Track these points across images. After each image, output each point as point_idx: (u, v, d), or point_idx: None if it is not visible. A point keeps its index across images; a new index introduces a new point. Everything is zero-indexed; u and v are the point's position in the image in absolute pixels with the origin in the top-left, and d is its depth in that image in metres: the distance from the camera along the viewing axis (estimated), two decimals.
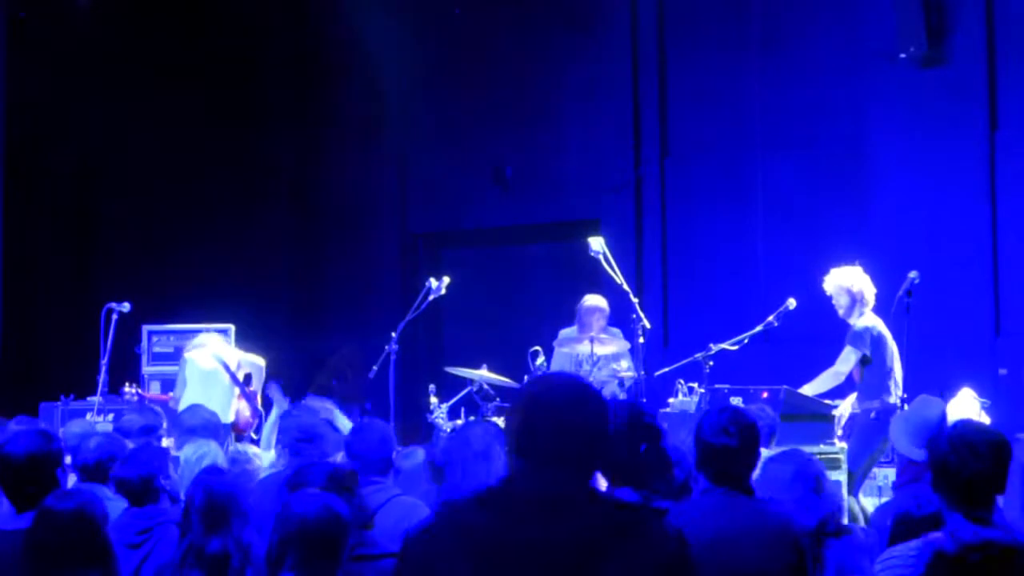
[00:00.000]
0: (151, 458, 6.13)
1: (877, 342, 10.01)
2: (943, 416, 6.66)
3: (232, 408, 10.97)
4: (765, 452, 6.98)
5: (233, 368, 11.03)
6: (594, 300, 11.43)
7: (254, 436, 11.22)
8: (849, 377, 10.07)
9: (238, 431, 11.06)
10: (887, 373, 10.01)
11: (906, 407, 9.13)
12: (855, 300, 10.14)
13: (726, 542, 4.87)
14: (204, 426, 8.13)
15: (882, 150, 12.51)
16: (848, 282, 10.18)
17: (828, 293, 10.27)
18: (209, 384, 10.92)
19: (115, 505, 5.87)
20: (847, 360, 9.97)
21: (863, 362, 10.01)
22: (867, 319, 10.10)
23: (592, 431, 3.45)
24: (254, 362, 11.25)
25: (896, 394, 10.00)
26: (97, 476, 6.54)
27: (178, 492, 6.18)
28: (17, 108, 13.97)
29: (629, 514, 3.45)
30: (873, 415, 9.89)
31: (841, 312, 10.20)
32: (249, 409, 11.09)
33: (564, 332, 11.64)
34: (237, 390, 10.96)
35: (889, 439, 9.93)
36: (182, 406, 10.47)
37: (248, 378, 11.38)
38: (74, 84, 14.41)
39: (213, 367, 10.99)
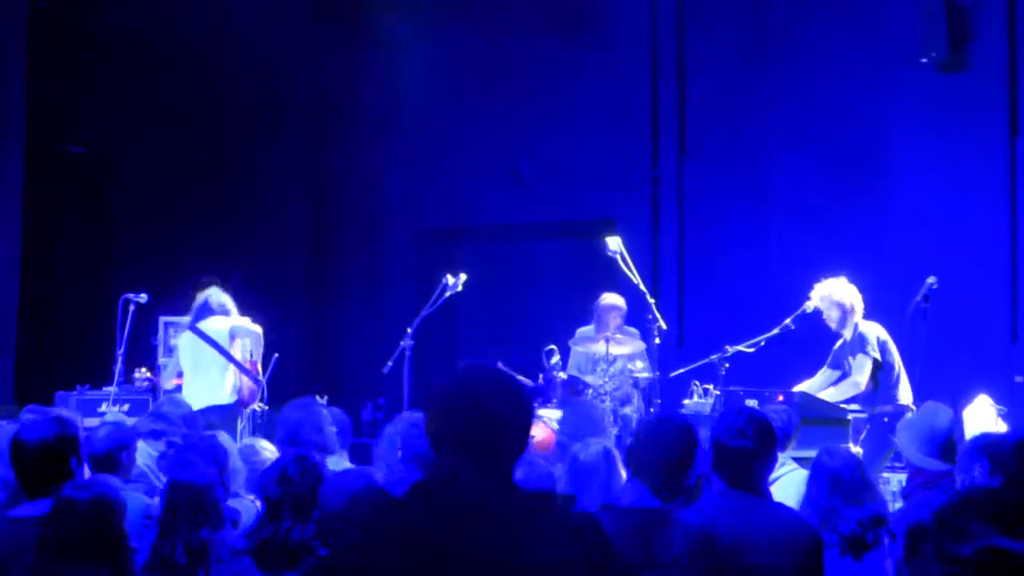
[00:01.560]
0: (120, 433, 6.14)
1: (884, 346, 10.05)
2: (952, 424, 6.63)
3: (229, 384, 10.81)
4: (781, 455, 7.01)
5: (226, 343, 10.84)
6: (612, 299, 11.43)
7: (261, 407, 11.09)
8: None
9: (244, 405, 10.96)
10: (896, 376, 10.03)
11: (912, 413, 9.13)
12: (846, 312, 10.18)
13: (743, 545, 4.87)
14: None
15: (901, 154, 12.49)
16: (838, 295, 10.20)
17: (816, 307, 10.28)
18: (200, 367, 10.82)
19: (129, 495, 5.87)
20: (863, 368, 9.98)
21: (874, 367, 10.03)
22: (867, 326, 10.14)
23: (507, 423, 3.46)
24: (250, 329, 11.09)
25: (907, 396, 10.02)
26: (106, 466, 6.54)
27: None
28: (37, 99, 14.00)
29: (546, 506, 3.48)
30: (886, 419, 9.90)
31: (833, 325, 10.23)
32: (250, 380, 10.94)
33: (581, 331, 11.64)
34: (232, 366, 10.80)
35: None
36: (185, 392, 10.48)
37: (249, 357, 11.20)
38: (94, 75, 14.44)
39: (199, 347, 10.86)
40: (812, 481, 5.97)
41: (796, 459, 7.27)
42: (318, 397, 11.44)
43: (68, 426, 5.49)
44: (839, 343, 10.33)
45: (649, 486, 5.44)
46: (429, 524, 3.36)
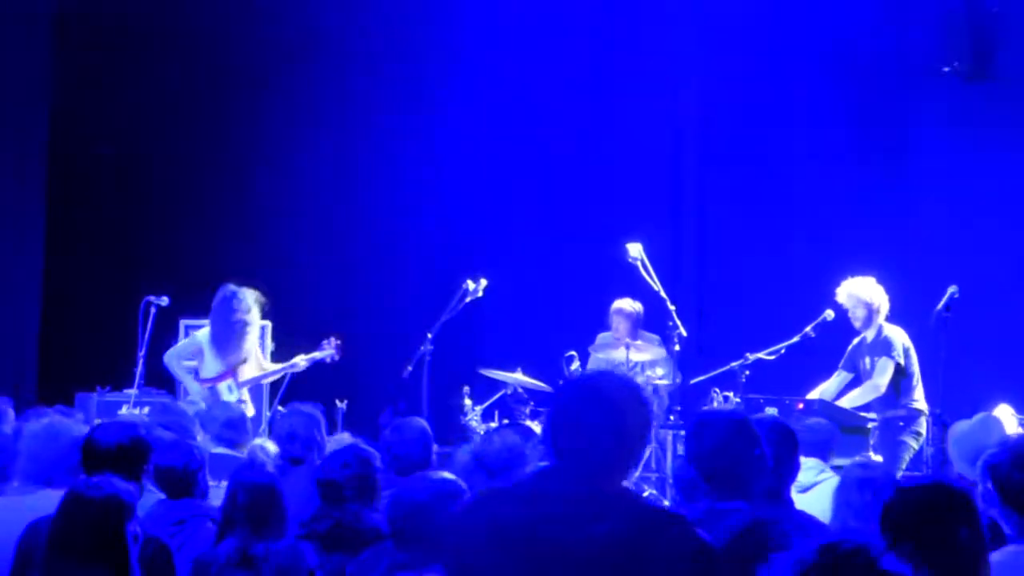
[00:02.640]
0: (191, 450, 6.15)
1: (907, 353, 10.04)
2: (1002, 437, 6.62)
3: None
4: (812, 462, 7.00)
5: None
6: (618, 303, 11.46)
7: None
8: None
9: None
10: (914, 381, 10.02)
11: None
12: (872, 312, 10.15)
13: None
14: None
15: (924, 163, 12.47)
16: (866, 294, 10.18)
17: (842, 304, 10.25)
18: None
19: (148, 498, 5.89)
20: (884, 371, 9.96)
21: (895, 372, 10.01)
22: (891, 329, 10.12)
23: (624, 431, 3.44)
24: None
25: (922, 402, 10.00)
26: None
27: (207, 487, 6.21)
28: (61, 100, 14.06)
29: (656, 518, 3.43)
30: (901, 423, 9.90)
31: (857, 324, 10.21)
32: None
33: (601, 336, 11.65)
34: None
35: (911, 450, 9.98)
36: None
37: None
38: (119, 76, 14.47)
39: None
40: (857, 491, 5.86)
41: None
42: (337, 401, 11.54)
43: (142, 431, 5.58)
44: (855, 342, 10.29)
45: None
46: (530, 519, 3.36)
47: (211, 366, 10.94)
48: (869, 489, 5.59)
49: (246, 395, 10.90)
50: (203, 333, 11.05)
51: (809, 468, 7.14)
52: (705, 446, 4.60)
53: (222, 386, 10.82)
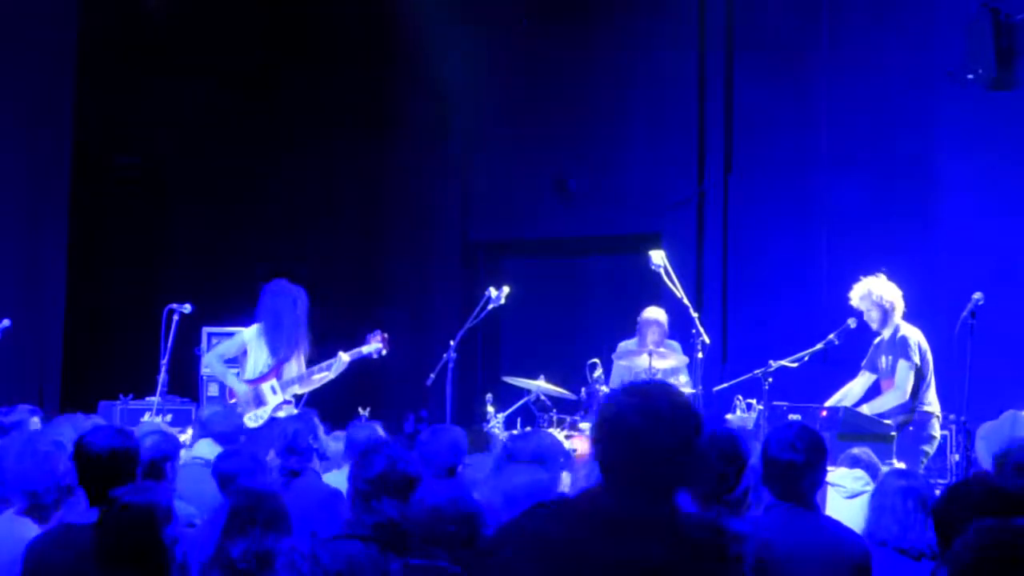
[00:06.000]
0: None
1: (924, 355, 10.02)
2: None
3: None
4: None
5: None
6: (651, 313, 11.43)
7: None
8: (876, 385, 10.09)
9: None
10: (928, 385, 10.00)
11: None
12: (886, 312, 10.13)
13: (792, 560, 4.84)
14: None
15: (948, 171, 12.43)
16: (877, 294, 10.15)
17: (856, 306, 10.23)
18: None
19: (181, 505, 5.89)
20: (907, 376, 9.93)
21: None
22: (908, 329, 10.08)
23: (675, 452, 3.34)
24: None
25: (936, 405, 9.97)
26: (152, 475, 6.55)
27: None
28: (86, 112, 14.11)
29: (708, 538, 3.37)
30: (912, 428, 9.88)
31: (874, 325, 10.19)
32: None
33: (623, 344, 11.64)
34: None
35: (927, 454, 9.97)
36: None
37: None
38: (142, 88, 14.54)
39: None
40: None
41: None
42: (360, 408, 11.53)
43: (129, 437, 5.54)
44: (876, 341, 10.27)
45: (694, 497, 5.42)
46: (577, 539, 3.31)
47: (257, 364, 10.66)
48: (911, 497, 5.59)
49: (290, 396, 10.63)
50: (249, 331, 10.74)
51: (858, 478, 7.20)
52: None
53: (265, 387, 10.57)
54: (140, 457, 5.58)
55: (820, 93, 13.23)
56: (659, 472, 3.34)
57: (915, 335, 10.08)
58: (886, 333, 10.15)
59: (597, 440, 3.41)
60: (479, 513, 4.86)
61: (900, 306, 10.14)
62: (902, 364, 9.94)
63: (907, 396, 9.91)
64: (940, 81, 12.39)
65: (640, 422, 3.34)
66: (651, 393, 3.43)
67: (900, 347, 10.00)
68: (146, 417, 11.26)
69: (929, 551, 5.36)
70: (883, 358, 10.14)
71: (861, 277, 10.29)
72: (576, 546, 3.31)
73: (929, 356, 10.06)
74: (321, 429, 7.79)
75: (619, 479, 3.36)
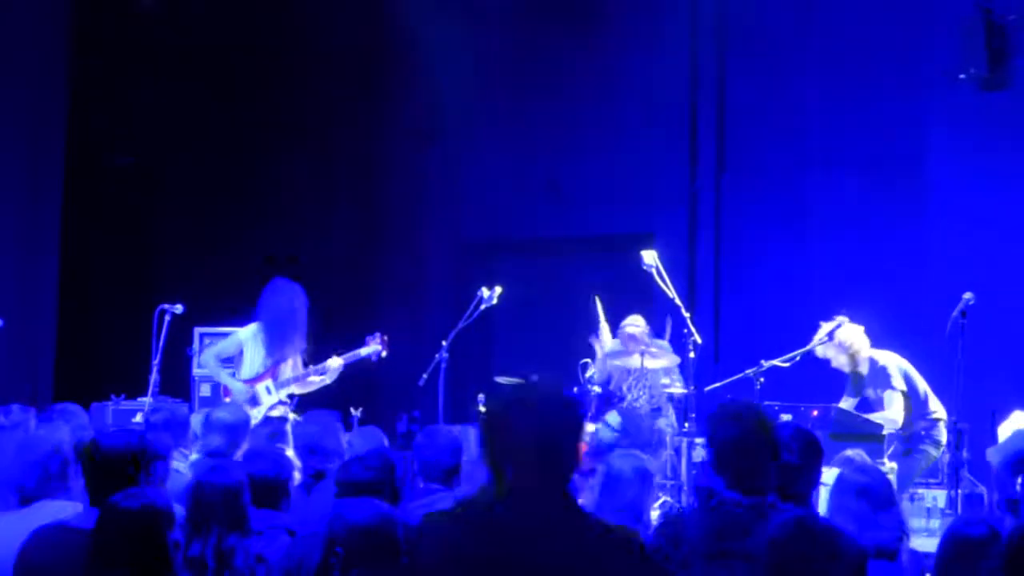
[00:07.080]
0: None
1: (907, 375, 10.02)
2: None
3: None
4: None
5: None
6: (628, 328, 11.45)
7: None
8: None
9: None
10: (924, 396, 10.01)
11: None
12: (851, 353, 10.14)
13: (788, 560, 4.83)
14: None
15: (941, 171, 12.45)
16: (839, 340, 10.15)
17: (824, 357, 10.25)
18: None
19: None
20: (895, 403, 9.93)
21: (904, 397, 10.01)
22: (882, 357, 10.08)
23: (561, 441, 3.41)
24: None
25: (940, 410, 9.98)
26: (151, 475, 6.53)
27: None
28: (78, 111, 14.10)
29: (608, 535, 3.42)
30: (922, 432, 9.89)
31: (846, 369, 10.21)
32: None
33: (614, 343, 11.66)
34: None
35: (930, 458, 9.99)
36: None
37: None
38: (134, 87, 14.53)
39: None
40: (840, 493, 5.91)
41: None
42: (352, 409, 11.52)
43: (144, 440, 5.54)
44: (850, 375, 10.29)
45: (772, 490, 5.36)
46: (479, 540, 3.37)
47: (253, 364, 10.54)
48: (865, 498, 5.62)
49: (285, 396, 10.52)
50: (246, 331, 10.61)
51: None
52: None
53: (260, 387, 10.45)
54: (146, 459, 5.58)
55: (812, 93, 13.26)
56: (546, 467, 3.38)
57: (891, 360, 10.07)
58: (863, 370, 10.16)
59: (485, 440, 3.46)
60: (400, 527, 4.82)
61: (862, 341, 10.14)
62: (888, 394, 9.96)
63: (901, 423, 9.91)
64: (933, 81, 12.41)
65: (519, 416, 3.39)
66: (527, 390, 3.49)
67: (882, 378, 10.00)
68: (138, 417, 11.25)
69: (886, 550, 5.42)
70: (869, 391, 10.16)
71: (821, 323, 10.28)
72: (480, 548, 3.35)
73: (912, 371, 10.06)
74: (341, 430, 7.81)
75: (511, 475, 3.39)
